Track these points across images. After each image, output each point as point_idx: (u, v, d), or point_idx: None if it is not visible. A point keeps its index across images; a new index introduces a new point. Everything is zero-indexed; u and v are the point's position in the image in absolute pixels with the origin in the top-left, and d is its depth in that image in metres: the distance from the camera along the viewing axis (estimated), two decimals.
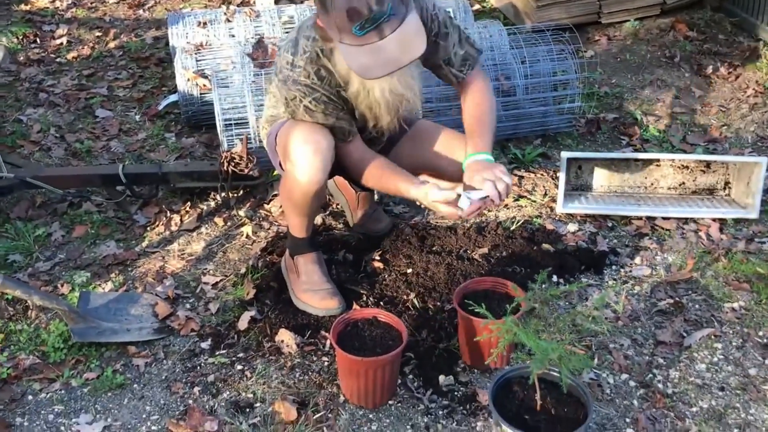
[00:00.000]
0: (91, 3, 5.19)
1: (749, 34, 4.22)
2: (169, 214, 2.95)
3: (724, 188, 2.94)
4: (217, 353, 2.29)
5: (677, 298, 2.46)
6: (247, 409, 2.09)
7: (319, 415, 2.06)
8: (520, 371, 1.91)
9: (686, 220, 2.84)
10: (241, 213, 2.95)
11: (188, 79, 3.46)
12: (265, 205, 3.00)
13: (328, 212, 2.93)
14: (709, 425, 2.02)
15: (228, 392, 2.15)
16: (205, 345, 2.32)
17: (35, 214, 2.96)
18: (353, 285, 2.49)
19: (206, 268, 2.67)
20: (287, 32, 3.58)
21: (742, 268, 2.57)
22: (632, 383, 2.15)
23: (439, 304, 2.40)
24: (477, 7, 4.85)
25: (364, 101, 2.14)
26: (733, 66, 3.95)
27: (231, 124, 3.06)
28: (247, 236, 2.83)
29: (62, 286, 2.58)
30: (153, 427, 2.06)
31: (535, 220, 2.86)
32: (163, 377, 2.22)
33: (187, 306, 2.49)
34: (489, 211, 2.91)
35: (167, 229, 2.88)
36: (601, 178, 2.96)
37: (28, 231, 2.82)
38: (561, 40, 3.45)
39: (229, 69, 3.39)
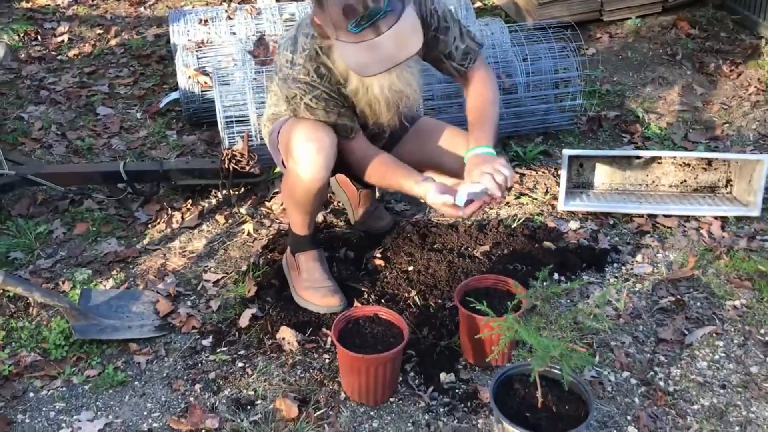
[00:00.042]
0: (92, 0, 5.19)
1: (751, 32, 4.21)
2: (170, 212, 2.95)
3: (726, 186, 2.93)
4: (218, 350, 2.29)
5: (678, 296, 2.45)
6: (248, 407, 2.09)
7: (320, 412, 2.06)
8: (522, 369, 1.91)
9: (688, 218, 2.83)
10: (243, 210, 2.95)
11: (189, 77, 3.46)
12: (267, 203, 3.00)
13: (329, 210, 2.93)
14: (711, 423, 2.02)
15: (229, 389, 2.15)
16: (206, 342, 2.32)
17: (36, 212, 2.96)
18: (354, 282, 2.49)
19: (207, 266, 2.67)
20: (288, 29, 3.58)
21: (744, 266, 2.57)
22: (633, 381, 2.15)
23: (440, 301, 2.40)
24: (478, 4, 4.85)
25: (363, 98, 2.14)
26: (735, 64, 3.95)
27: (232, 121, 3.05)
28: (249, 234, 2.83)
29: (63, 283, 2.58)
30: (154, 425, 2.06)
31: (536, 217, 2.86)
32: (165, 374, 2.22)
33: (189, 303, 2.50)
34: (491, 208, 2.91)
35: (168, 227, 2.88)
36: (602, 176, 2.95)
37: (29, 228, 2.83)
38: (562, 37, 3.44)
39: (231, 66, 3.39)
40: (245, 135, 2.89)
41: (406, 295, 2.43)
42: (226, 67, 3.40)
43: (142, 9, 5.05)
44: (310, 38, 2.11)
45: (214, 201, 3.02)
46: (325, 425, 2.02)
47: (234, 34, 3.69)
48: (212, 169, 2.92)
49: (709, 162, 2.91)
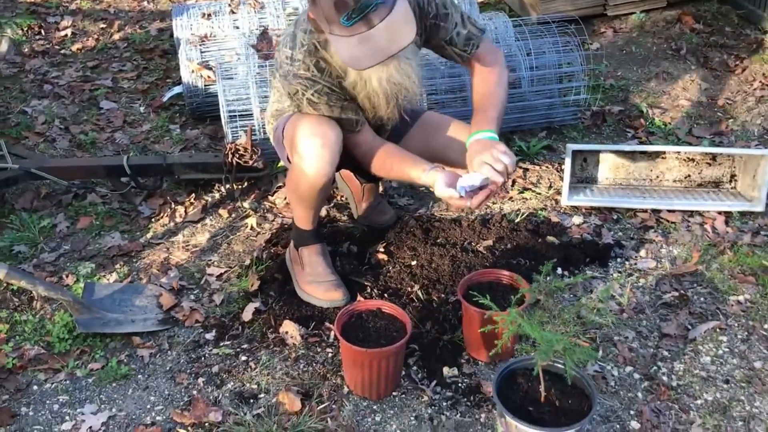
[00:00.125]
0: None
1: (756, 27, 4.20)
2: (173, 206, 2.95)
3: (730, 181, 2.92)
4: (222, 344, 2.29)
5: (682, 291, 2.45)
6: (252, 400, 2.09)
7: (323, 406, 2.06)
8: (525, 363, 1.91)
9: (692, 213, 2.83)
10: (246, 205, 2.95)
11: (193, 71, 3.46)
12: (270, 197, 3.00)
13: (332, 204, 2.92)
14: (714, 418, 2.01)
15: (232, 383, 2.15)
16: (209, 336, 2.32)
17: (40, 205, 2.96)
18: (357, 277, 2.49)
19: (211, 260, 2.67)
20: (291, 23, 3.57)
21: (748, 261, 2.56)
22: (637, 376, 2.15)
23: (443, 296, 2.40)
24: None
25: (362, 91, 2.13)
26: (740, 58, 3.93)
27: (235, 115, 3.05)
28: (252, 228, 2.83)
29: (67, 277, 2.58)
30: (157, 418, 2.06)
31: (539, 212, 2.85)
32: (168, 368, 2.22)
33: (192, 297, 2.50)
34: (494, 203, 2.91)
35: (172, 221, 2.88)
36: (606, 171, 2.95)
37: (33, 222, 2.83)
38: (567, 32, 3.43)
39: (234, 60, 3.39)
40: (248, 129, 2.88)
41: (409, 289, 2.43)
42: (229, 61, 3.39)
43: (145, 3, 5.05)
44: (308, 33, 2.10)
45: (217, 195, 3.02)
46: (328, 419, 2.02)
47: (237, 28, 3.68)
48: (215, 164, 2.92)
49: (714, 157, 2.90)
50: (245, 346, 2.28)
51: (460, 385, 2.12)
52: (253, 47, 3.36)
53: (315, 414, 2.02)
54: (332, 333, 2.29)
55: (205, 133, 3.47)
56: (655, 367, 2.17)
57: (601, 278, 2.52)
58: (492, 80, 2.28)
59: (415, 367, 2.17)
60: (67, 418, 2.07)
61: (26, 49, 4.36)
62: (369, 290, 2.44)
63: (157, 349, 2.29)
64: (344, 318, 2.10)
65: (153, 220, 2.89)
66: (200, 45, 3.54)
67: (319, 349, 2.26)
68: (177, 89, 3.71)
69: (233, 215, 2.91)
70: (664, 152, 2.91)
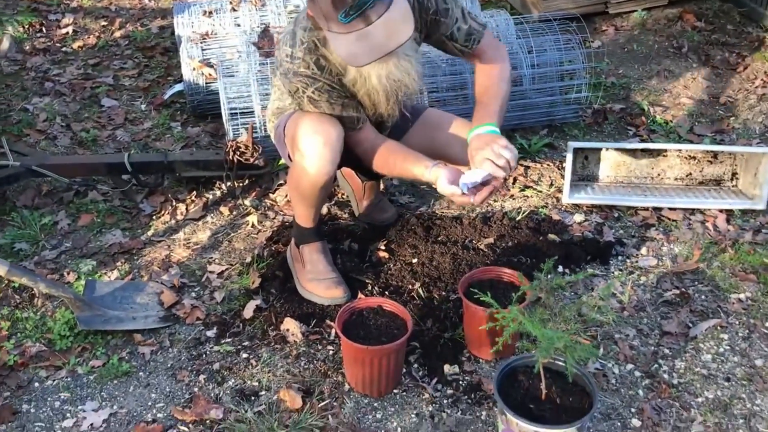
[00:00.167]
0: None
1: (758, 25, 4.19)
2: (174, 203, 2.95)
3: (732, 179, 2.92)
4: (223, 341, 2.29)
5: (683, 289, 2.45)
6: (253, 397, 2.09)
7: (324, 403, 2.06)
8: (526, 360, 1.91)
9: (693, 211, 2.82)
10: (247, 202, 2.95)
11: (194, 69, 3.46)
12: (271, 195, 3.00)
13: (333, 202, 2.92)
14: (715, 415, 2.01)
15: (233, 380, 2.16)
16: (210, 333, 2.33)
17: (41, 203, 2.96)
18: (358, 274, 2.49)
19: (212, 257, 2.68)
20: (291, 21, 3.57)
21: (749, 259, 2.56)
22: (638, 373, 2.15)
23: (444, 293, 2.40)
24: None
25: (362, 88, 2.13)
26: (741, 56, 3.93)
27: (236, 113, 3.05)
28: (253, 225, 2.83)
29: (68, 274, 2.59)
30: (158, 415, 2.06)
31: (541, 210, 2.85)
32: (169, 365, 2.23)
33: (193, 295, 2.50)
34: (495, 201, 2.91)
35: (173, 218, 2.88)
36: (607, 169, 2.95)
37: (34, 219, 2.83)
38: (568, 29, 3.43)
39: (235, 58, 3.39)
40: (250, 127, 2.88)
41: (410, 287, 2.43)
42: (230, 58, 3.39)
43: (146, 1, 5.04)
44: (308, 31, 2.10)
45: (218, 193, 3.02)
46: (329, 416, 2.02)
47: (238, 25, 3.68)
48: (217, 161, 2.92)
49: (715, 155, 2.90)
50: (246, 343, 2.28)
51: (461, 382, 2.12)
52: (254, 45, 3.36)
53: (316, 411, 2.02)
54: (333, 330, 2.29)
55: (206, 130, 3.47)
56: (656, 365, 2.17)
57: (602, 276, 2.52)
58: (494, 74, 2.27)
59: (416, 365, 2.17)
60: (68, 415, 2.07)
61: (27, 47, 4.36)
62: (370, 288, 2.44)
63: (158, 346, 2.29)
64: (345, 315, 2.10)
65: (154, 217, 2.90)
66: (201, 42, 3.54)
67: (320, 347, 2.26)
68: (178, 87, 3.71)
69: (234, 213, 2.91)
70: (666, 150, 2.90)
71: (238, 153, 2.85)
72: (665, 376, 2.14)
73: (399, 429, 2.00)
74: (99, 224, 2.85)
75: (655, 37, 4.20)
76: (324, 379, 2.14)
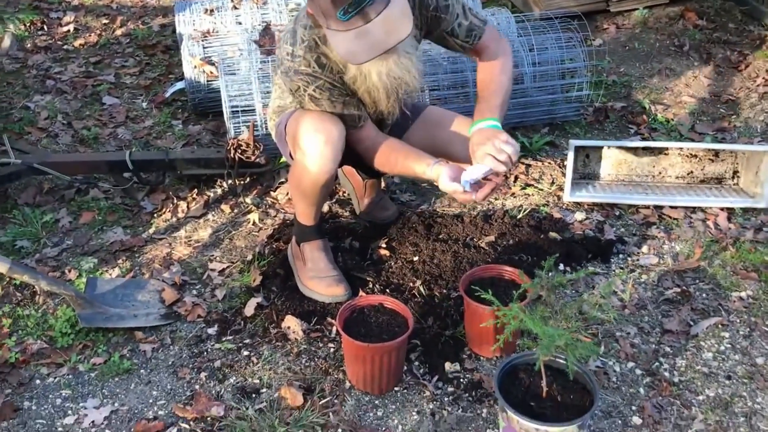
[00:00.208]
0: None
1: (759, 23, 4.19)
2: (175, 201, 2.96)
3: (733, 177, 2.92)
4: (224, 339, 2.29)
5: (684, 287, 2.45)
6: (254, 395, 2.09)
7: (325, 400, 2.06)
8: (526, 358, 1.91)
9: (694, 209, 2.82)
10: (248, 200, 2.95)
11: (195, 67, 3.46)
12: (272, 193, 3.00)
13: (334, 200, 2.92)
14: (716, 413, 2.01)
15: (234, 378, 2.16)
16: (211, 331, 2.33)
17: (43, 201, 2.97)
18: (359, 272, 2.49)
19: (213, 255, 2.68)
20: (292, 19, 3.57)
21: (750, 258, 2.56)
22: (638, 371, 2.15)
23: (445, 291, 2.40)
24: None
25: (362, 86, 2.13)
26: (743, 55, 3.92)
27: (238, 111, 3.05)
28: (254, 223, 2.83)
29: (70, 271, 2.59)
30: (160, 412, 2.07)
31: (542, 208, 2.85)
32: (170, 363, 2.23)
33: (194, 292, 2.50)
34: (496, 198, 2.90)
35: (174, 216, 2.88)
36: (608, 167, 2.95)
37: (35, 217, 2.83)
38: (569, 28, 3.43)
39: (236, 56, 3.39)
40: (251, 125, 2.88)
41: (411, 284, 2.43)
42: (231, 56, 3.39)
43: None
44: (309, 29, 2.10)
45: (219, 190, 3.02)
46: (330, 413, 2.02)
47: (240, 23, 3.68)
48: (218, 159, 2.92)
49: (716, 153, 2.90)
50: (247, 341, 2.28)
51: (461, 380, 2.12)
52: (255, 43, 3.36)
53: (317, 409, 2.03)
54: (334, 328, 2.29)
55: (208, 128, 3.47)
56: (656, 363, 2.18)
57: (603, 274, 2.52)
58: (495, 68, 2.27)
59: (417, 363, 2.18)
60: (69, 412, 2.08)
61: (29, 45, 4.36)
62: (371, 286, 2.44)
63: (160, 343, 2.29)
64: (346, 313, 2.10)
65: (155, 215, 2.90)
66: (203, 41, 3.54)
67: (321, 344, 2.26)
68: (179, 85, 3.72)
69: (235, 211, 2.91)
70: (667, 148, 2.90)
71: (240, 151, 2.85)
72: (666, 374, 2.14)
73: (400, 426, 2.00)
74: (100, 222, 2.85)
75: (656, 36, 4.20)
76: (325, 376, 2.14)
